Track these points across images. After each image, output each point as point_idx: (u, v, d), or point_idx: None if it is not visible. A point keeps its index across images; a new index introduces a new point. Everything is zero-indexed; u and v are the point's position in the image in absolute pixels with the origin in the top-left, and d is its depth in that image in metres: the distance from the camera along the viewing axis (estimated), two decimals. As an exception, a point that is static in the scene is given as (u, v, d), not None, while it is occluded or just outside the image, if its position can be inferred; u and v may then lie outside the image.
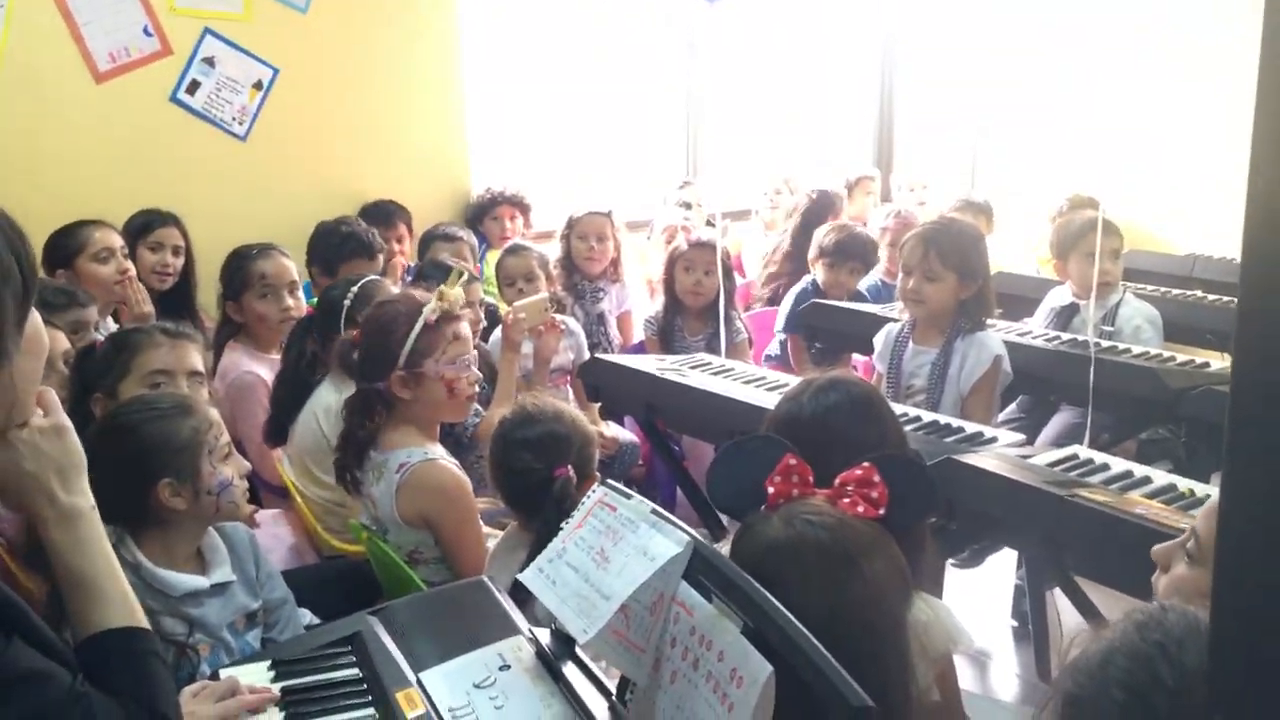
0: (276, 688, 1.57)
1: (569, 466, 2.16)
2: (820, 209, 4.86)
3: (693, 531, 1.33)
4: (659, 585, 1.30)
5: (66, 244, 3.46)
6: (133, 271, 3.53)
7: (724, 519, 2.70)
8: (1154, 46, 5.45)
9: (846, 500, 1.46)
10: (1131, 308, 3.50)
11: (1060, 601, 2.75)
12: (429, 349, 2.47)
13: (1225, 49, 4.98)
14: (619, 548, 1.39)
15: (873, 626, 1.30)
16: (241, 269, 3.41)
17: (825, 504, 1.44)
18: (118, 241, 3.53)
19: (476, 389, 2.63)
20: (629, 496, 1.46)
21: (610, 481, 1.53)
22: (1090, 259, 3.53)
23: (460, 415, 2.72)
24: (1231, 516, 0.69)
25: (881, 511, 1.45)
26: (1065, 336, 3.28)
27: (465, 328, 2.56)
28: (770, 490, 1.47)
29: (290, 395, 2.99)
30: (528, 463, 2.19)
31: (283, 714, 1.51)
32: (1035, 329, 3.50)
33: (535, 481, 2.17)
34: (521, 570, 2.02)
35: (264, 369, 3.29)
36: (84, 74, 4.17)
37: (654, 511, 1.40)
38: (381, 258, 4.01)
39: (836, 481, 1.48)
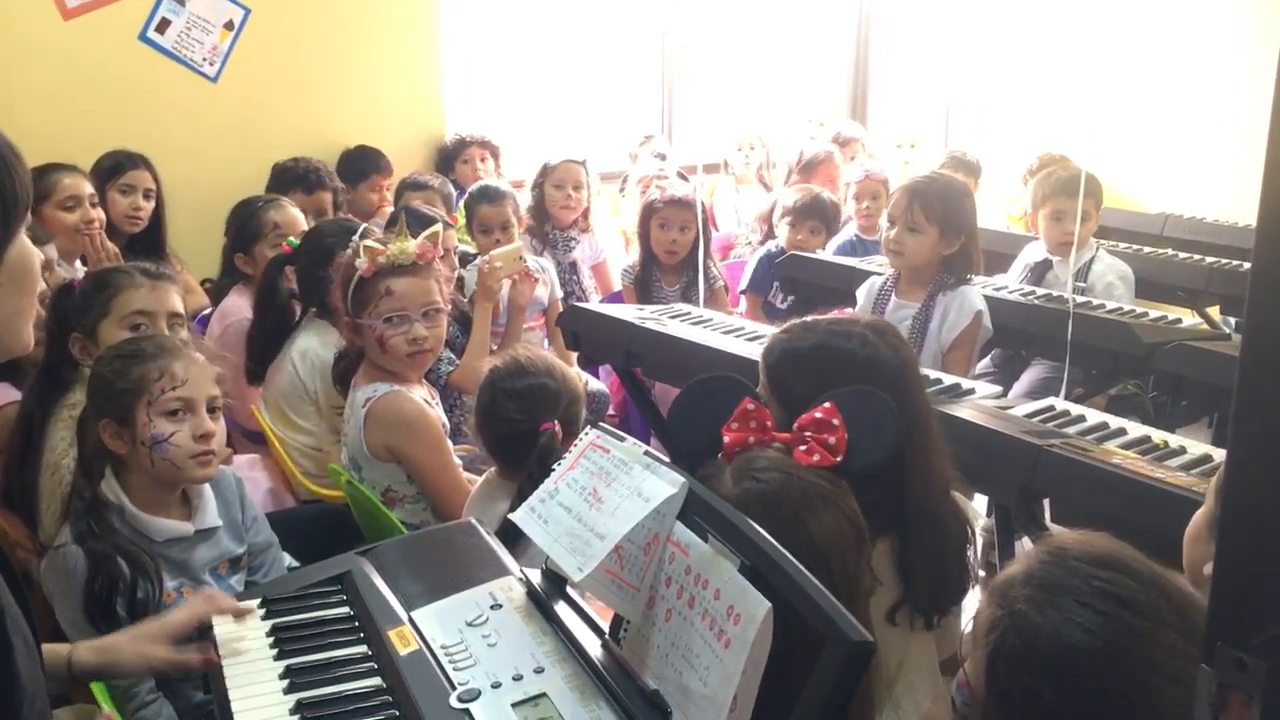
0: (267, 625, 1.57)
1: (555, 422, 2.15)
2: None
3: (686, 473, 1.34)
4: (654, 526, 1.31)
5: (34, 188, 3.39)
6: (100, 221, 3.47)
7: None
8: (1126, 3, 5.46)
9: (802, 448, 1.43)
10: (1104, 264, 3.54)
11: (1026, 547, 2.81)
12: (364, 302, 2.50)
13: (1196, 6, 5.02)
14: (612, 489, 1.40)
15: (820, 578, 1.31)
16: (253, 219, 3.38)
17: (779, 454, 1.43)
18: (86, 189, 3.47)
19: (422, 347, 2.54)
20: (621, 439, 1.46)
21: (603, 425, 1.53)
22: (1056, 218, 3.56)
23: (409, 371, 2.61)
24: (1237, 464, 0.70)
25: (838, 459, 1.42)
26: (1040, 292, 3.32)
27: (403, 284, 2.50)
28: (726, 437, 1.45)
29: (268, 336, 2.98)
30: (513, 414, 2.18)
31: (274, 651, 1.51)
32: (1011, 284, 3.53)
33: (519, 433, 2.16)
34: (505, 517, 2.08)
35: None
36: (51, 10, 4.08)
37: (647, 453, 1.41)
38: (326, 194, 4.09)
39: (795, 425, 1.46)
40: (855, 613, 1.13)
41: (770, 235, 4.53)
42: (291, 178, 4.13)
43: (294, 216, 3.41)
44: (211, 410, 2.00)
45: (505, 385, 2.22)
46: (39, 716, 1.13)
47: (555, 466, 1.54)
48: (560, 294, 3.90)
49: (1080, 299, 3.21)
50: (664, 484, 1.33)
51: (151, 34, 4.27)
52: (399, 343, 2.50)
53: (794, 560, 1.16)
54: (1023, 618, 1.11)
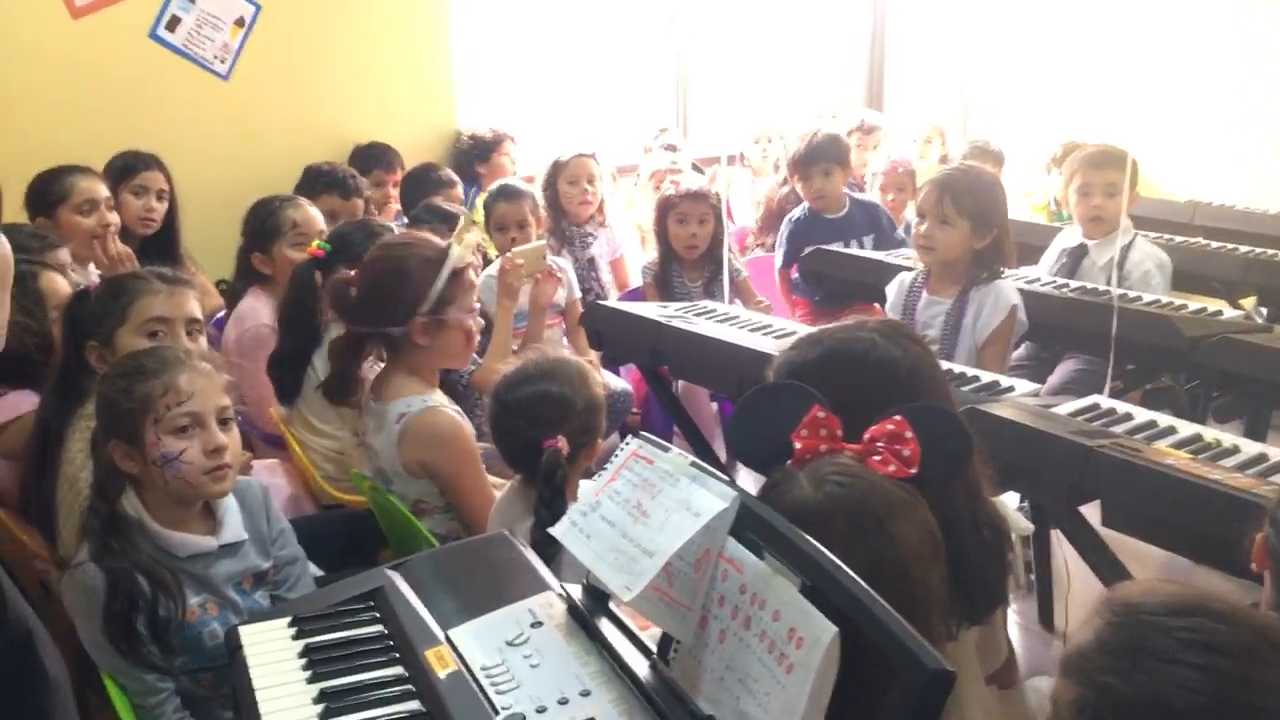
0: (299, 645, 1.52)
1: (561, 437, 2.04)
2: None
3: (739, 485, 1.28)
4: (704, 541, 1.25)
5: (50, 190, 3.35)
6: (116, 225, 3.42)
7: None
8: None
9: (877, 459, 1.39)
10: (1141, 252, 3.44)
11: (1065, 550, 2.75)
12: (453, 296, 2.43)
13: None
14: (658, 501, 1.34)
15: (900, 592, 1.26)
16: (271, 218, 3.31)
17: (854, 462, 1.38)
18: (103, 192, 3.42)
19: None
20: (666, 449, 1.40)
21: (645, 434, 1.47)
22: (1084, 193, 3.48)
23: (465, 361, 2.68)
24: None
25: (914, 471, 1.38)
26: (1075, 284, 3.24)
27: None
28: (797, 445, 1.41)
29: (303, 344, 2.89)
30: (520, 426, 2.10)
31: (307, 673, 1.46)
32: (1043, 275, 3.46)
33: (529, 444, 2.07)
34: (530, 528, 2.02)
35: None
36: (61, 9, 4.03)
37: (694, 464, 1.35)
38: (359, 200, 3.99)
39: (866, 436, 1.42)
40: (930, 633, 1.07)
41: (771, 224, 4.48)
42: (328, 181, 4.02)
43: (312, 215, 3.35)
44: (224, 421, 1.93)
45: (508, 397, 2.14)
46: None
47: (596, 476, 1.48)
48: (579, 294, 3.83)
49: (1118, 290, 3.14)
50: (714, 497, 1.27)
51: (162, 32, 4.22)
52: (476, 333, 2.51)
53: (860, 581, 1.10)
54: (1111, 692, 1.03)
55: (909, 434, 1.39)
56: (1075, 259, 3.50)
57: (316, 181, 3.99)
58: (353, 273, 2.53)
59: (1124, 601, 1.08)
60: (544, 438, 2.04)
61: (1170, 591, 1.06)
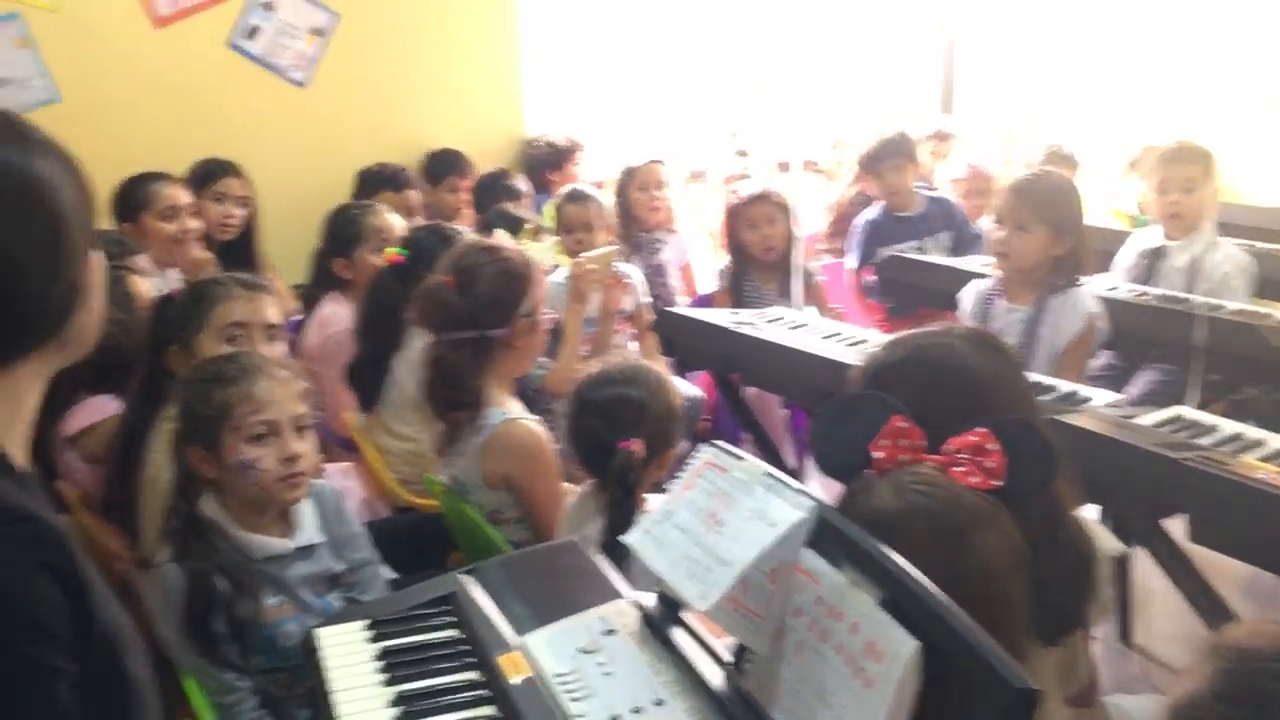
0: (376, 648, 1.53)
1: (636, 440, 2.04)
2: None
3: (816, 495, 1.27)
4: (780, 552, 1.24)
5: (134, 196, 3.44)
6: (197, 231, 3.50)
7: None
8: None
9: (960, 469, 1.36)
10: (1222, 254, 3.35)
11: (1145, 564, 2.68)
12: (540, 297, 2.50)
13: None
14: (733, 511, 1.33)
15: (981, 605, 1.23)
16: (354, 224, 3.38)
17: (936, 472, 1.36)
18: (185, 199, 3.51)
19: None
20: (740, 458, 1.39)
21: (718, 443, 1.46)
22: (1163, 190, 3.40)
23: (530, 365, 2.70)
24: None
25: (998, 483, 1.35)
26: (1155, 291, 3.16)
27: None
28: (878, 454, 1.39)
29: (378, 355, 2.92)
30: (596, 427, 2.10)
31: (384, 676, 1.47)
32: (1120, 278, 3.38)
33: (603, 446, 2.06)
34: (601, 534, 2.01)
35: None
36: (143, 19, 4.14)
37: (768, 474, 1.33)
38: (411, 192, 4.12)
39: (949, 447, 1.39)
40: (1015, 650, 1.04)
41: (841, 228, 4.44)
42: (379, 179, 4.17)
43: (392, 223, 3.41)
44: (299, 429, 1.96)
45: (588, 397, 2.14)
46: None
47: (669, 486, 1.47)
48: (646, 300, 3.83)
49: (1199, 298, 3.06)
50: (790, 507, 1.26)
51: (241, 41, 4.31)
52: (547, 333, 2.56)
53: (941, 594, 1.08)
54: None
55: (993, 445, 1.37)
56: (1153, 261, 3.43)
57: (370, 182, 4.13)
58: (447, 278, 2.51)
59: (1236, 648, 1.05)
60: (618, 440, 2.04)
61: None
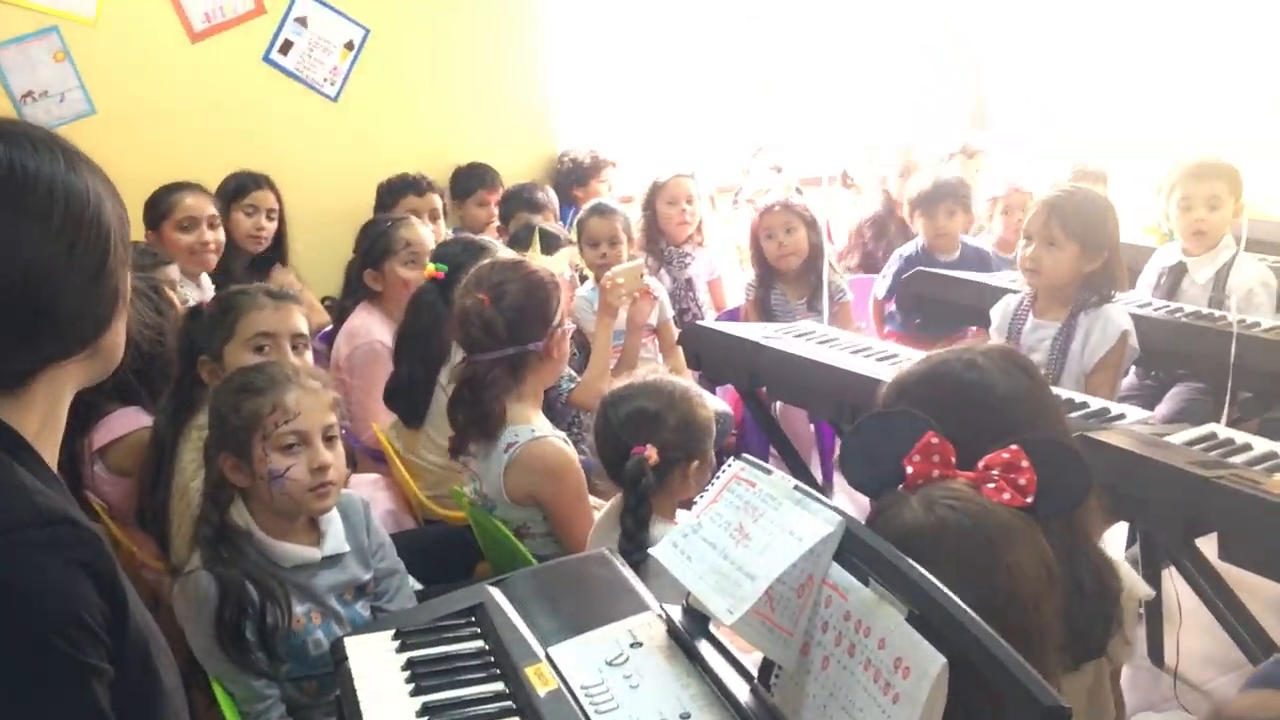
0: (402, 658, 1.54)
1: (648, 446, 2.07)
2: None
3: (844, 510, 1.27)
4: (808, 566, 1.24)
5: (156, 206, 3.48)
6: (218, 244, 3.53)
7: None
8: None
9: (991, 486, 1.36)
10: (1245, 270, 3.31)
11: (1175, 582, 2.65)
12: (568, 307, 2.55)
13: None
14: (760, 525, 1.33)
15: (1012, 621, 1.22)
16: (385, 236, 3.39)
17: (967, 488, 1.35)
18: (207, 210, 3.53)
19: None
20: (768, 472, 1.39)
21: (746, 456, 1.46)
22: (1186, 206, 3.38)
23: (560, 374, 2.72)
24: None
25: (1029, 500, 1.34)
26: (1189, 308, 3.14)
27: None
28: (909, 470, 1.39)
29: (423, 372, 2.92)
30: (619, 436, 2.14)
31: (410, 686, 1.47)
32: (1143, 295, 3.36)
33: (622, 455, 2.10)
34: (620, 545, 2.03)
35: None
36: (179, 33, 4.18)
37: (797, 488, 1.33)
38: (433, 195, 4.15)
39: (981, 464, 1.39)
40: (1045, 668, 1.04)
41: (865, 249, 4.41)
42: (401, 185, 4.18)
43: (423, 235, 3.42)
44: (329, 439, 1.97)
45: (613, 409, 2.19)
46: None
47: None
48: (671, 313, 3.83)
49: (1223, 313, 3.03)
50: (819, 522, 1.26)
51: (275, 55, 4.35)
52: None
53: (970, 611, 1.08)
54: None
55: (1025, 463, 1.36)
56: (1175, 278, 3.40)
57: (391, 191, 4.15)
58: (482, 295, 2.49)
59: None
60: (630, 446, 2.09)
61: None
